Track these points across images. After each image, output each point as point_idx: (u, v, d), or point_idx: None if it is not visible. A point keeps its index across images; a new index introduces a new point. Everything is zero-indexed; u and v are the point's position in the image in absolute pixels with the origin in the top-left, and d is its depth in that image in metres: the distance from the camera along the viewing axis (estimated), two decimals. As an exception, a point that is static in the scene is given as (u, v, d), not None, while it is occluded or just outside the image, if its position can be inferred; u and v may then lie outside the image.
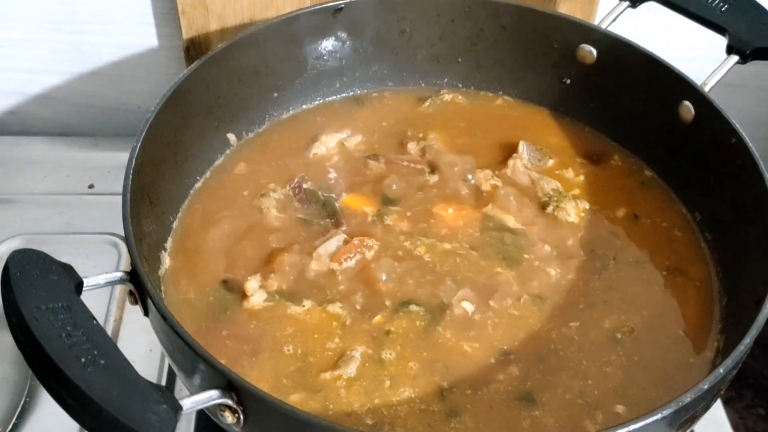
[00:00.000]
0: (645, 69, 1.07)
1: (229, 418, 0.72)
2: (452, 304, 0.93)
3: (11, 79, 1.35)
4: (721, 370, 0.72)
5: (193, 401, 0.69)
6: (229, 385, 0.71)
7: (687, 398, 0.70)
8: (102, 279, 0.78)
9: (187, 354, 0.74)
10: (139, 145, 0.91)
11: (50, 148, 1.35)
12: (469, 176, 1.08)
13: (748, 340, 0.75)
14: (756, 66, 1.06)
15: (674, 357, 0.89)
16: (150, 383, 0.66)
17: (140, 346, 1.05)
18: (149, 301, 0.78)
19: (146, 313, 0.82)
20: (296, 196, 1.06)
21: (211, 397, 0.70)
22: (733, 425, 1.50)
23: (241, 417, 0.72)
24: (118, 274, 0.79)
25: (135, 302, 0.81)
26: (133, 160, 0.89)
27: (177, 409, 0.65)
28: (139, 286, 0.79)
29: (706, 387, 0.71)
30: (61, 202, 1.25)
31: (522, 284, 0.95)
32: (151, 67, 1.35)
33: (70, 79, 1.36)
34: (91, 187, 1.28)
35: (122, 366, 0.66)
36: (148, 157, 0.94)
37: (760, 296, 0.80)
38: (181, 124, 1.02)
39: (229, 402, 0.71)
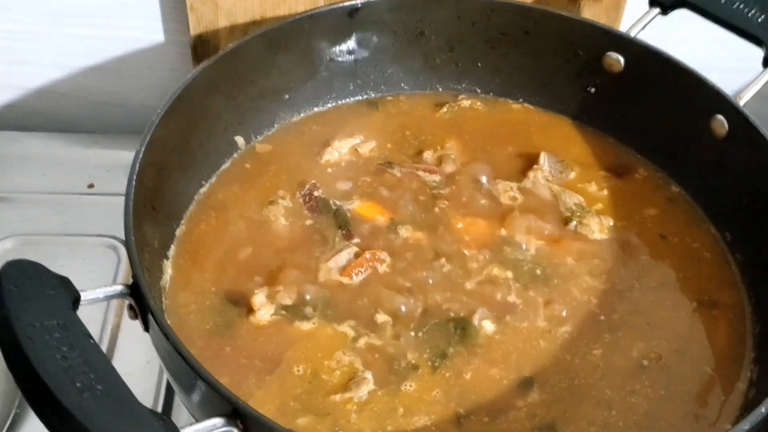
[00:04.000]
0: (676, 80, 1.02)
1: (233, 447, 0.68)
2: (471, 324, 0.88)
3: (11, 72, 1.30)
4: (763, 410, 0.67)
5: (195, 430, 0.64)
6: (235, 412, 0.66)
7: (726, 440, 0.65)
8: (101, 293, 0.73)
9: (190, 376, 0.69)
10: (143, 148, 0.87)
11: (49, 144, 1.29)
12: (488, 188, 1.03)
13: (789, 377, 0.70)
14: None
15: (703, 388, 0.84)
16: (150, 411, 0.61)
17: (138, 357, 1.00)
18: (150, 317, 0.74)
19: (146, 329, 0.77)
20: (306, 204, 1.01)
21: (215, 425, 0.65)
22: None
23: (246, 446, 0.68)
24: (118, 288, 0.74)
25: (135, 317, 0.76)
26: (137, 165, 0.85)
27: (177, 439, 0.61)
28: (140, 301, 0.74)
29: (746, 428, 0.66)
30: (59, 201, 1.20)
31: (542, 305, 0.91)
32: (156, 64, 1.30)
33: (72, 73, 1.31)
34: (90, 186, 1.22)
35: (121, 392, 0.61)
36: (152, 161, 0.89)
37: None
38: (187, 126, 0.97)
39: (235, 431, 0.66)
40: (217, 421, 0.65)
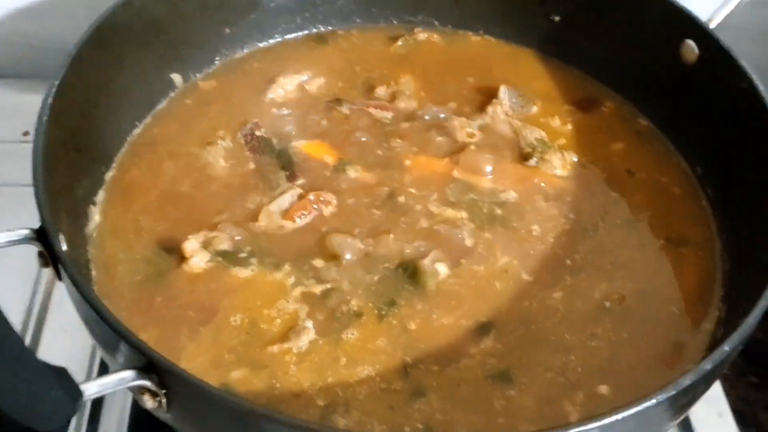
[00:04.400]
0: (641, 4, 0.95)
1: (149, 402, 0.62)
2: (423, 267, 0.81)
3: (-65, 14, 1.22)
4: (726, 348, 0.62)
5: (99, 385, 0.58)
6: (149, 364, 0.60)
7: (686, 381, 0.60)
8: (2, 238, 0.66)
9: (103, 328, 0.63)
10: (57, 84, 0.79)
11: (-19, 90, 1.21)
12: (444, 124, 0.96)
13: (757, 312, 0.64)
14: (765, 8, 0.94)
15: (668, 330, 0.79)
16: (47, 366, 0.55)
17: (74, 314, 0.94)
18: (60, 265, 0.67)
19: (60, 277, 0.70)
20: (248, 145, 0.94)
21: (123, 379, 0.59)
22: (724, 393, 1.42)
23: (164, 401, 0.61)
24: (23, 232, 0.68)
25: (46, 265, 0.70)
26: (48, 101, 0.77)
27: (77, 396, 0.55)
28: (50, 248, 0.68)
29: (708, 368, 0.60)
30: (-8, 149, 1.12)
31: (500, 246, 0.84)
32: (93, 3, 1.21)
33: (4, 15, 1.22)
34: (25, 134, 1.15)
35: (11, 343, 0.54)
36: (71, 99, 0.82)
37: (770, 262, 0.69)
38: (113, 62, 0.90)
39: (148, 384, 0.60)
40: (127, 374, 0.59)
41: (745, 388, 1.43)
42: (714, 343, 0.75)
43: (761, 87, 0.82)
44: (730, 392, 1.39)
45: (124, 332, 0.61)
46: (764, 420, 1.37)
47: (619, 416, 0.57)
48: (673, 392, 0.58)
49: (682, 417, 0.70)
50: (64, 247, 0.69)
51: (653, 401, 0.58)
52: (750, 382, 1.44)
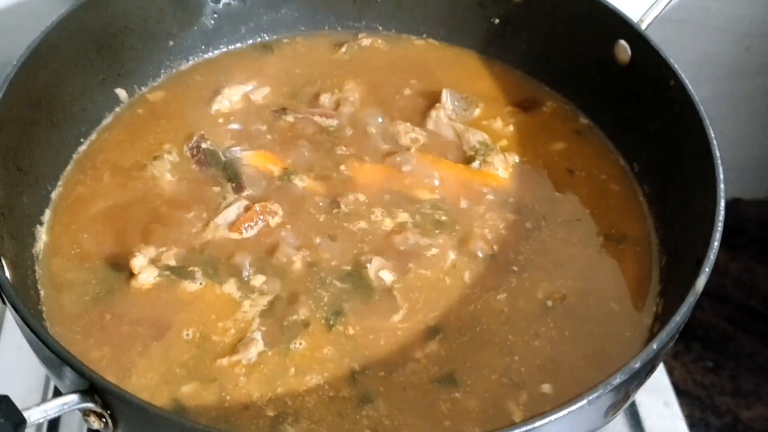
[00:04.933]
0: (577, 5, 0.97)
1: (95, 423, 0.62)
2: (368, 276, 0.83)
3: None
4: (654, 346, 0.64)
5: (42, 410, 0.58)
6: (92, 387, 0.61)
7: (616, 379, 0.62)
8: (-58, 266, 0.66)
9: (45, 352, 0.63)
10: (-4, 105, 0.79)
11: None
12: (388, 130, 0.97)
13: (684, 309, 0.66)
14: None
15: (608, 326, 0.81)
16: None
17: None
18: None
19: (4, 302, 0.71)
20: (194, 158, 0.94)
21: (66, 403, 0.60)
22: (681, 379, 1.45)
23: (109, 422, 0.62)
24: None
25: (-13, 291, 0.70)
26: (-13, 123, 0.77)
27: (19, 422, 0.55)
28: (-11, 272, 0.68)
29: (637, 366, 0.63)
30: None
31: (444, 251, 0.86)
32: (41, 16, 1.20)
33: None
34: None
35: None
36: (12, 117, 0.82)
37: (701, 256, 0.71)
38: (54, 79, 0.90)
39: (92, 406, 0.61)
40: (70, 398, 0.60)
41: (701, 373, 1.47)
42: (651, 338, 0.77)
43: (689, 86, 0.84)
44: (686, 377, 1.43)
45: (64, 355, 0.62)
46: (721, 403, 1.41)
47: (552, 417, 0.59)
48: (601, 392, 0.60)
49: (621, 411, 0.72)
50: (7, 273, 0.69)
51: (584, 401, 0.60)
52: (706, 366, 1.48)
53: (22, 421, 0.55)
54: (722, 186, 0.74)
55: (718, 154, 0.77)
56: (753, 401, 1.35)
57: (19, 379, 0.95)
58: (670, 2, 0.91)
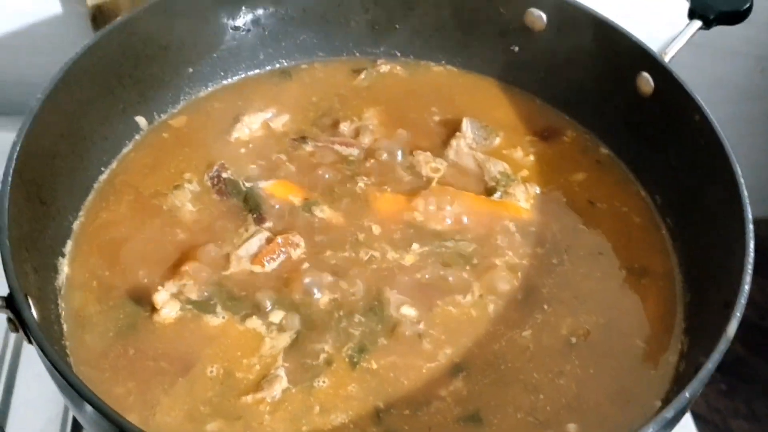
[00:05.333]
0: (599, 36, 0.96)
1: (122, 466, 0.62)
2: (390, 312, 0.83)
3: None
4: (687, 395, 0.64)
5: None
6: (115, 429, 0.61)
7: (649, 430, 0.61)
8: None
9: (73, 396, 0.63)
10: (22, 138, 0.79)
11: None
12: (408, 160, 0.97)
13: (717, 356, 0.66)
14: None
15: (633, 363, 0.81)
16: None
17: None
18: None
19: (30, 341, 0.70)
20: (215, 187, 0.94)
21: (94, 450, 0.59)
22: (695, 403, 1.45)
23: (137, 465, 0.62)
24: (-10, 303, 0.67)
25: (15, 330, 0.70)
26: (14, 159, 0.77)
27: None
28: (18, 314, 0.68)
29: (670, 416, 0.62)
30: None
31: (466, 285, 0.86)
32: (54, 38, 1.21)
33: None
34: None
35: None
36: (36, 151, 0.82)
37: (729, 298, 0.71)
38: (77, 110, 0.90)
39: (120, 451, 0.61)
40: (98, 444, 0.60)
41: (715, 396, 1.46)
42: (677, 377, 0.78)
43: (714, 120, 0.84)
44: (700, 401, 1.43)
45: (93, 400, 0.61)
46: (735, 426, 1.41)
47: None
48: (636, 443, 0.60)
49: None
50: (34, 313, 0.69)
51: (617, 451, 0.60)
52: (719, 389, 1.47)
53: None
54: (751, 227, 0.74)
55: (746, 194, 0.76)
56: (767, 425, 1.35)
57: (38, 408, 0.95)
58: (694, 35, 0.91)
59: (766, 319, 1.47)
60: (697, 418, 1.37)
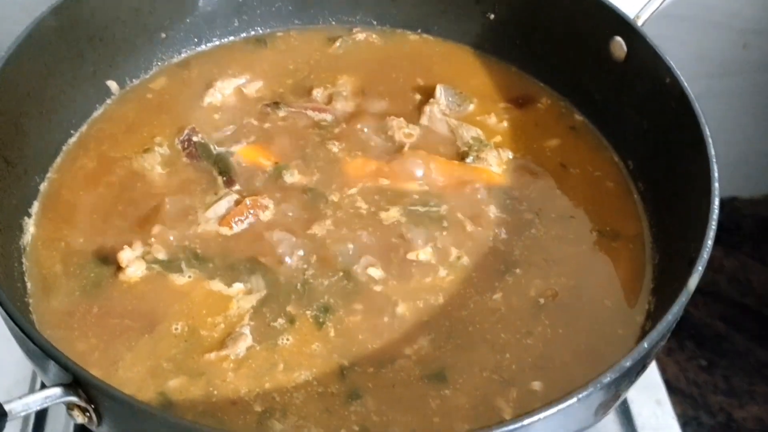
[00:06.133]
0: (573, 1, 0.95)
1: (79, 417, 0.62)
2: (357, 272, 0.82)
3: None
4: (646, 345, 0.63)
5: (24, 404, 0.58)
6: (75, 380, 0.60)
7: (606, 378, 0.61)
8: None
9: (27, 344, 0.63)
10: (-15, 97, 0.78)
11: None
12: (382, 125, 0.96)
13: (676, 308, 0.66)
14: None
15: (601, 324, 0.80)
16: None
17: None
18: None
19: (-12, 295, 0.70)
20: (185, 151, 0.93)
21: (49, 396, 0.59)
22: (673, 377, 1.45)
23: (94, 416, 0.62)
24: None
25: (-27, 283, 0.69)
26: (-24, 114, 0.76)
27: (0, 415, 0.54)
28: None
29: (628, 364, 0.62)
30: None
31: (436, 247, 0.85)
32: (31, 6, 1.20)
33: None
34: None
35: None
36: (1, 111, 0.81)
37: (694, 255, 0.71)
38: (43, 71, 0.89)
39: (76, 400, 0.60)
40: (53, 391, 0.59)
41: (694, 371, 1.47)
42: (643, 336, 0.77)
43: (685, 83, 0.83)
44: (679, 375, 1.43)
45: (47, 348, 0.61)
46: (714, 402, 1.41)
47: (542, 415, 0.59)
48: (591, 390, 0.59)
49: (611, 409, 0.72)
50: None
51: (574, 399, 0.60)
52: (699, 364, 1.47)
53: (3, 414, 0.55)
54: (717, 185, 0.74)
55: (713, 152, 0.76)
56: (746, 401, 1.35)
57: (6, 371, 0.94)
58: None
59: (747, 296, 1.46)
60: (676, 392, 1.38)
